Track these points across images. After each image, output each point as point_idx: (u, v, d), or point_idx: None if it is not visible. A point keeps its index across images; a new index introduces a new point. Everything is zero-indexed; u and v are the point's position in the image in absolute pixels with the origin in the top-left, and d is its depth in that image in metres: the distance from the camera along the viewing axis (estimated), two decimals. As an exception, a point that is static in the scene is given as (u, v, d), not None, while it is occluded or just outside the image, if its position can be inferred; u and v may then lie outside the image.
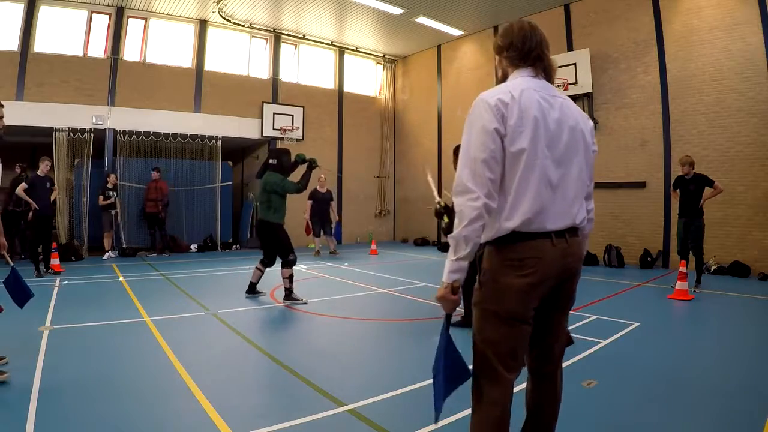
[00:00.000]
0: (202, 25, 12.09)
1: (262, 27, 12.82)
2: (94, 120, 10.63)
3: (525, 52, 1.83)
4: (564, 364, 3.38)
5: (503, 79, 1.92)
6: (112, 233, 10.59)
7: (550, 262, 1.70)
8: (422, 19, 11.98)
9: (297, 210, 12.24)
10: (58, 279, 7.39)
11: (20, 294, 3.70)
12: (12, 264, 3.76)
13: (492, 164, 1.67)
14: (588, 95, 10.28)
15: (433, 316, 5.42)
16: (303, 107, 13.53)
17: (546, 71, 1.85)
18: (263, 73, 13.25)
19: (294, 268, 6.22)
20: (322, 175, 10.95)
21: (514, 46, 1.85)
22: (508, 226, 1.70)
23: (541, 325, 1.83)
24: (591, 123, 1.91)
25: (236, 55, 12.88)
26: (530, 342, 1.83)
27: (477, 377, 1.78)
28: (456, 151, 4.30)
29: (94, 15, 10.88)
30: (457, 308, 1.80)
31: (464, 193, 1.67)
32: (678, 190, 7.05)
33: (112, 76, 10.90)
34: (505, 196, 1.71)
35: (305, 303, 5.93)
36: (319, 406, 2.88)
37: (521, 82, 1.79)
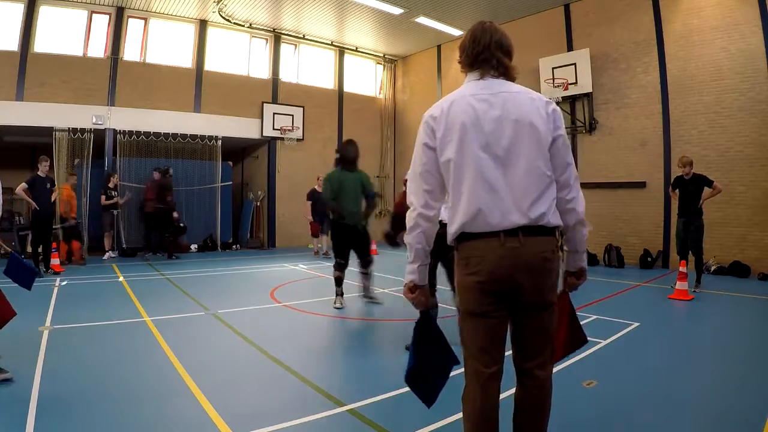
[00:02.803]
0: (202, 25, 12.09)
1: (262, 27, 12.82)
2: (94, 120, 10.63)
3: (473, 56, 1.89)
4: (564, 364, 3.42)
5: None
6: (113, 233, 10.59)
7: (495, 260, 1.73)
8: (422, 19, 11.98)
9: (296, 210, 12.29)
10: (58, 279, 7.40)
11: (25, 275, 3.67)
12: (9, 250, 3.71)
13: (427, 177, 1.82)
14: (588, 95, 10.28)
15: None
16: (303, 107, 13.53)
17: (499, 71, 1.86)
18: (263, 73, 13.24)
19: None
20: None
21: (464, 53, 1.92)
22: (452, 230, 1.81)
23: (513, 321, 1.85)
24: (551, 107, 1.83)
25: (236, 55, 12.88)
26: (512, 338, 1.88)
27: (465, 372, 1.86)
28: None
29: (94, 15, 10.88)
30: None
31: (409, 205, 1.85)
32: (677, 191, 7.05)
33: (112, 76, 10.90)
34: (451, 201, 1.81)
35: (381, 303, 5.79)
36: (319, 406, 2.88)
37: (458, 92, 1.87)
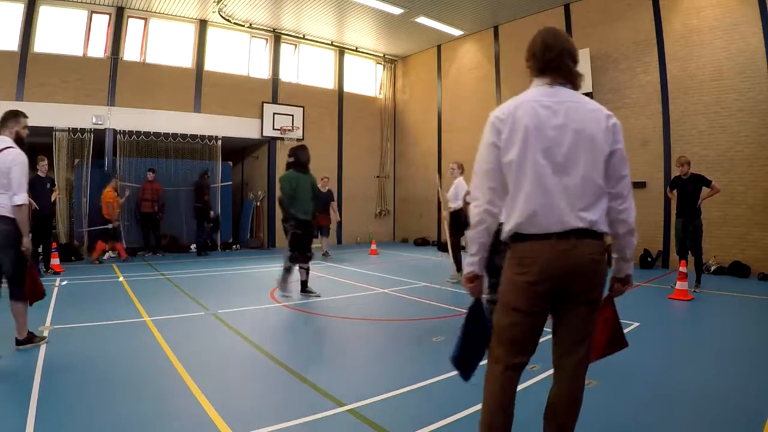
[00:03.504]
0: (202, 25, 12.09)
1: (262, 27, 12.82)
2: (94, 120, 10.62)
3: (543, 63, 1.93)
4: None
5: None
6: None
7: (547, 261, 1.81)
8: (422, 19, 11.98)
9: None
10: (58, 279, 7.40)
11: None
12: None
13: (492, 174, 1.89)
14: (588, 95, 10.22)
15: (433, 316, 5.43)
16: (303, 107, 13.53)
17: (568, 79, 1.92)
18: (263, 73, 13.24)
19: (294, 267, 6.24)
20: (326, 176, 10.94)
21: (534, 57, 1.97)
22: (507, 228, 1.90)
23: (555, 318, 1.94)
24: (612, 121, 1.89)
25: (236, 55, 12.88)
26: (553, 334, 1.97)
27: (489, 357, 1.99)
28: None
29: (94, 15, 10.87)
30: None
31: (473, 200, 1.94)
32: (674, 191, 7.04)
33: (112, 76, 10.89)
34: (509, 201, 1.88)
35: (318, 296, 6.25)
36: (319, 406, 2.88)
37: (526, 95, 1.93)
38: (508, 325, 1.90)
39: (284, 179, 6.18)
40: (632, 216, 1.93)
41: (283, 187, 6.15)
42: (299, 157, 6.25)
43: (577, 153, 1.82)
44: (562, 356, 1.93)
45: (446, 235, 7.51)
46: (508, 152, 1.85)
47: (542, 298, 1.85)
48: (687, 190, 6.84)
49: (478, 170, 1.93)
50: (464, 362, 2.06)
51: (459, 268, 7.48)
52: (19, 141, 3.91)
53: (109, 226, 9.66)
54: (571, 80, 1.93)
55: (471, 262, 1.97)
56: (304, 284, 6.38)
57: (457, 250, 7.49)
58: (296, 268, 6.30)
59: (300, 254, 6.15)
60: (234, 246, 12.62)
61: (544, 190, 1.81)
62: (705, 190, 6.78)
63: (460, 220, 7.30)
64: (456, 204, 7.34)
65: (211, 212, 11.38)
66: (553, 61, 1.91)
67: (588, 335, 1.93)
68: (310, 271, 6.47)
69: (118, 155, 10.94)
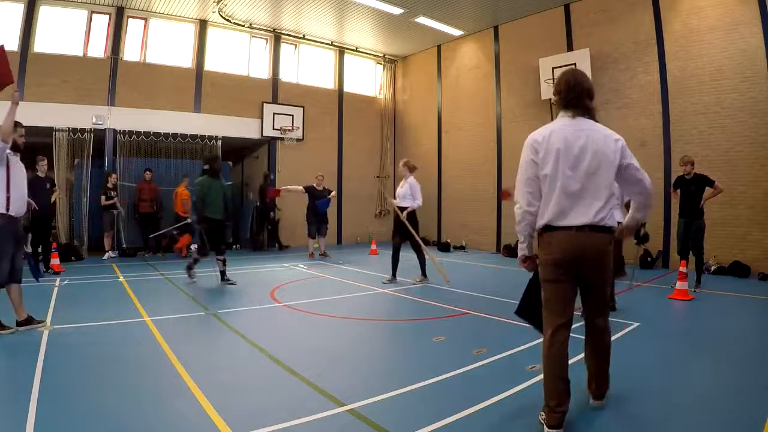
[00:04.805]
0: (202, 25, 12.09)
1: (262, 27, 12.82)
2: (94, 120, 10.63)
3: (566, 101, 2.61)
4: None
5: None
6: (113, 233, 10.59)
7: (566, 246, 2.52)
8: (422, 19, 11.97)
9: (297, 210, 12.28)
10: (58, 279, 7.40)
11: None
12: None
13: (530, 183, 2.56)
14: (588, 95, 10.27)
15: (433, 316, 5.43)
16: (303, 107, 13.53)
17: (586, 112, 2.60)
18: (263, 73, 13.24)
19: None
20: (321, 174, 10.95)
21: (560, 95, 2.64)
22: (541, 223, 2.58)
23: (580, 290, 2.66)
24: (620, 143, 2.57)
25: (236, 55, 12.88)
26: (581, 301, 2.70)
27: (544, 321, 2.64)
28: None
29: (94, 15, 10.87)
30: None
31: (516, 203, 2.62)
32: (678, 190, 7.03)
33: (112, 76, 10.89)
34: (542, 202, 2.56)
35: (234, 284, 7.11)
36: (319, 406, 2.88)
37: (555, 124, 2.60)
38: (549, 293, 2.60)
39: (197, 185, 7.21)
40: (648, 189, 2.64)
41: (196, 191, 7.18)
42: (213, 166, 7.32)
43: (594, 167, 2.48)
44: (592, 316, 2.73)
45: (417, 239, 7.23)
46: (544, 167, 2.51)
47: (564, 271, 2.54)
48: (690, 190, 6.82)
49: (521, 180, 2.58)
50: (529, 316, 2.84)
51: (424, 271, 7.45)
52: (15, 147, 4.29)
53: (188, 220, 10.32)
54: (589, 113, 2.60)
55: (522, 248, 2.68)
56: (222, 274, 7.25)
57: (421, 251, 7.37)
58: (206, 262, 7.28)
59: (211, 248, 7.15)
60: (234, 246, 12.62)
61: (568, 195, 2.49)
62: (708, 190, 6.76)
63: (416, 219, 7.40)
64: (416, 203, 7.34)
65: (272, 213, 12.22)
66: (574, 99, 2.58)
67: (605, 299, 2.72)
68: (227, 263, 7.40)
69: (118, 155, 10.94)
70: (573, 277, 2.55)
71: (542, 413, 2.58)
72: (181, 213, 10.75)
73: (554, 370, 2.51)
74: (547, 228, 2.55)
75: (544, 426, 2.50)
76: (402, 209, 7.34)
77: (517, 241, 2.73)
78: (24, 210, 4.53)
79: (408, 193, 7.40)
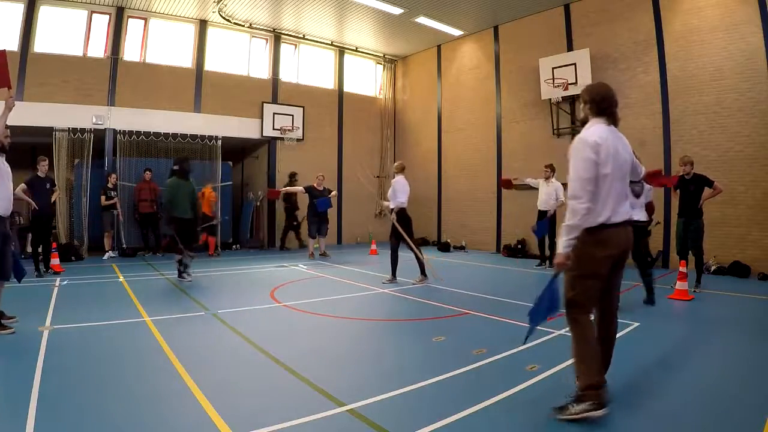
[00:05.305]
0: (202, 25, 12.09)
1: (262, 27, 12.82)
2: (94, 120, 10.62)
3: (600, 110, 2.86)
4: (563, 365, 3.43)
5: (584, 119, 2.94)
6: (112, 233, 10.59)
7: (620, 242, 2.79)
8: (422, 19, 11.97)
9: (304, 211, 12.27)
10: (58, 279, 7.40)
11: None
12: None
13: (592, 181, 2.71)
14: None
15: (433, 316, 5.43)
16: (303, 107, 13.52)
17: (615, 120, 2.87)
18: (263, 73, 13.24)
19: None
20: (321, 174, 10.93)
21: (594, 103, 2.87)
22: (599, 221, 2.73)
23: (610, 281, 2.86)
24: (630, 148, 2.93)
25: (236, 55, 12.87)
26: (605, 291, 2.86)
27: (570, 311, 2.81)
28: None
29: (94, 15, 10.87)
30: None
31: (575, 198, 2.71)
32: (678, 190, 7.03)
33: (112, 76, 10.89)
34: (598, 201, 2.71)
35: (190, 281, 7.28)
36: (319, 406, 2.88)
37: (603, 130, 2.79)
38: (589, 286, 2.76)
39: (167, 186, 7.41)
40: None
41: (166, 193, 7.40)
42: (182, 166, 7.45)
43: (626, 170, 2.86)
44: (612, 303, 2.95)
45: (405, 238, 7.23)
46: (605, 167, 2.70)
47: (612, 265, 2.79)
48: (689, 190, 6.81)
49: (580, 177, 2.70)
50: (540, 317, 2.88)
51: (423, 271, 7.47)
52: (0, 148, 4.44)
53: (214, 221, 10.77)
54: (615, 122, 2.88)
55: (568, 244, 2.73)
56: (183, 270, 7.48)
57: (413, 250, 7.36)
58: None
59: (185, 245, 7.34)
60: (234, 246, 12.61)
61: (618, 194, 2.76)
62: (707, 190, 6.76)
63: (407, 217, 7.39)
64: (397, 202, 7.34)
65: (296, 213, 12.17)
66: (608, 109, 2.85)
67: (619, 289, 3.00)
68: (192, 259, 7.64)
69: (118, 155, 10.94)
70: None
71: (576, 404, 2.62)
72: (208, 213, 10.83)
73: (597, 349, 2.75)
74: (603, 226, 2.72)
75: (593, 411, 2.58)
76: (392, 210, 7.41)
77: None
78: (10, 209, 4.51)
79: (391, 193, 7.44)
